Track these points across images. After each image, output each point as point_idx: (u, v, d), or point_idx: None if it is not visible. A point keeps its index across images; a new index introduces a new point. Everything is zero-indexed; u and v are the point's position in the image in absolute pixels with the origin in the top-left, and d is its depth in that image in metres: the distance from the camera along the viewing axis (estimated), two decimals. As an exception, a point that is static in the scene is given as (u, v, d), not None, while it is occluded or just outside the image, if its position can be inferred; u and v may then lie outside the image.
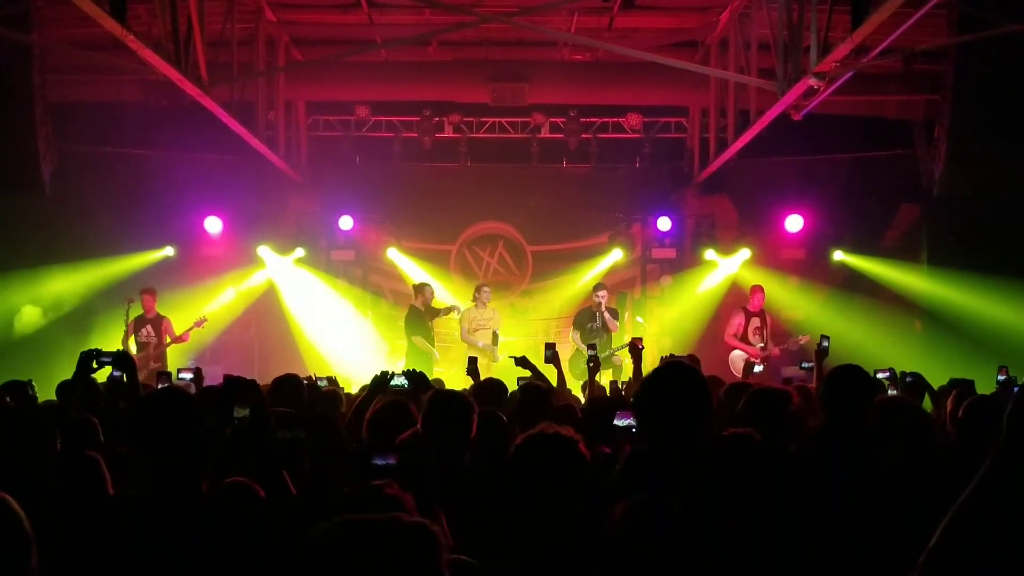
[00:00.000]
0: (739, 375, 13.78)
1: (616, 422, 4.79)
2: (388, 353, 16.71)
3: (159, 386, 6.94)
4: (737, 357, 14.53)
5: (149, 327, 14.43)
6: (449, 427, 4.77)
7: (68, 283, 15.87)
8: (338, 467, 4.82)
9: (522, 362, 8.40)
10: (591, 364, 8.02)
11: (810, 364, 9.17)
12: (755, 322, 14.65)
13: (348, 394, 8.74)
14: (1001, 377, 9.14)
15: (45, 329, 15.59)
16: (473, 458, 4.88)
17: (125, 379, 5.98)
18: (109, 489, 4.31)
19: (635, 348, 8.53)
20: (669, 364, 4.31)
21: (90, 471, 4.33)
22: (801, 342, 14.06)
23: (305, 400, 6.74)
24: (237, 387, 4.01)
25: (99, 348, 5.94)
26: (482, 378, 8.21)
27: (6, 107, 13.70)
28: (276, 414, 4.95)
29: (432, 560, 2.17)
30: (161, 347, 14.32)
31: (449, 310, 15.35)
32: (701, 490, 3.74)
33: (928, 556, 1.99)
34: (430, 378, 13.44)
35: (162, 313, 14.68)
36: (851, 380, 5.24)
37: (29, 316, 15.69)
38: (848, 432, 4.91)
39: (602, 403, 6.34)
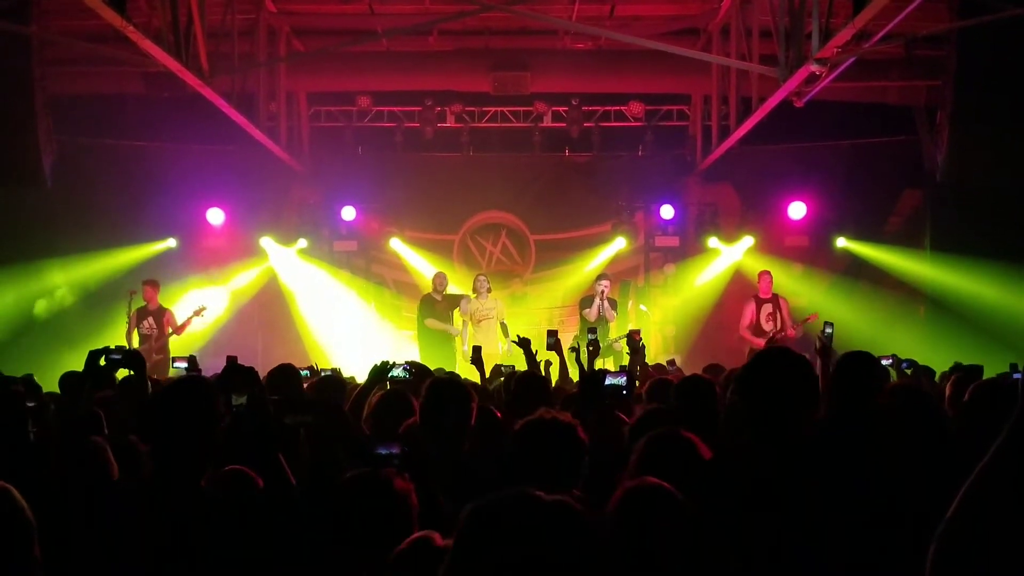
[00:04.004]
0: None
1: (608, 381, 4.94)
2: (404, 341, 16.67)
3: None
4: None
5: (151, 319, 14.42)
6: (447, 415, 4.76)
7: (70, 275, 15.87)
8: (344, 452, 4.81)
9: (523, 343, 8.47)
10: (591, 348, 8.03)
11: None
12: (767, 308, 14.59)
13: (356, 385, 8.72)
14: (1017, 376, 9.06)
15: (48, 321, 15.60)
16: (472, 447, 4.88)
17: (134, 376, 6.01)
18: (114, 475, 4.31)
19: (633, 340, 8.50)
20: (776, 349, 4.23)
21: (94, 457, 4.33)
22: (810, 320, 14.04)
23: (301, 388, 6.73)
24: (235, 374, 4.00)
25: (108, 346, 5.98)
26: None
27: (6, 100, 13.69)
28: (279, 400, 4.95)
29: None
30: (163, 339, 14.31)
31: (459, 299, 15.36)
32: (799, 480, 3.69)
33: (946, 526, 1.99)
34: (452, 362, 13.65)
35: (164, 305, 14.68)
36: (863, 366, 5.26)
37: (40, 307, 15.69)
38: (859, 417, 4.92)
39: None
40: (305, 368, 8.59)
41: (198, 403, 3.73)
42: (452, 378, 5.90)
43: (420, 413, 4.83)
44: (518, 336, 8.80)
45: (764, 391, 3.85)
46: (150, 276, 14.88)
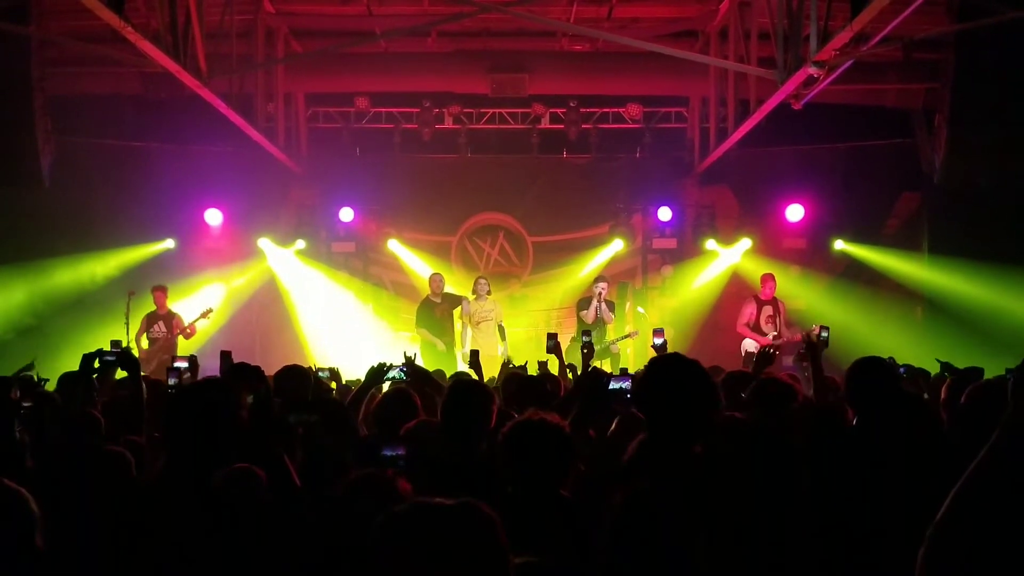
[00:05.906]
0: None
1: (612, 385, 4.94)
2: (402, 342, 16.65)
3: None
4: (749, 344, 14.51)
5: (161, 323, 14.70)
6: (470, 416, 4.78)
7: (68, 276, 15.87)
8: (349, 451, 4.82)
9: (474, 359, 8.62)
10: (585, 351, 8.03)
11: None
12: (767, 310, 14.64)
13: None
14: None
15: (47, 321, 15.60)
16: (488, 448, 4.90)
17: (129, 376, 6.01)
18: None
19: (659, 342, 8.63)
20: (669, 357, 4.29)
21: (117, 463, 4.32)
22: (815, 331, 14.01)
23: (311, 390, 6.74)
24: (242, 374, 4.01)
25: (102, 348, 5.98)
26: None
27: (5, 100, 13.67)
28: (283, 400, 4.96)
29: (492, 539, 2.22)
30: (171, 340, 14.52)
31: (459, 299, 15.37)
32: (709, 481, 3.72)
33: (936, 528, 2.00)
34: (450, 368, 13.62)
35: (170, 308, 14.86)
36: (875, 372, 5.30)
37: None
38: (877, 421, 4.96)
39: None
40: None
41: (222, 406, 3.74)
42: (475, 379, 5.96)
43: (442, 412, 4.87)
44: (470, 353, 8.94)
45: (662, 398, 3.94)
46: (148, 277, 15.08)
